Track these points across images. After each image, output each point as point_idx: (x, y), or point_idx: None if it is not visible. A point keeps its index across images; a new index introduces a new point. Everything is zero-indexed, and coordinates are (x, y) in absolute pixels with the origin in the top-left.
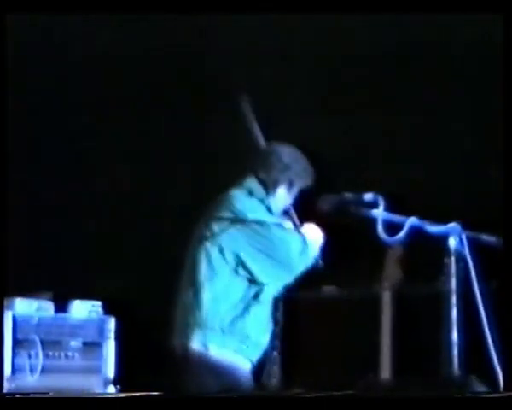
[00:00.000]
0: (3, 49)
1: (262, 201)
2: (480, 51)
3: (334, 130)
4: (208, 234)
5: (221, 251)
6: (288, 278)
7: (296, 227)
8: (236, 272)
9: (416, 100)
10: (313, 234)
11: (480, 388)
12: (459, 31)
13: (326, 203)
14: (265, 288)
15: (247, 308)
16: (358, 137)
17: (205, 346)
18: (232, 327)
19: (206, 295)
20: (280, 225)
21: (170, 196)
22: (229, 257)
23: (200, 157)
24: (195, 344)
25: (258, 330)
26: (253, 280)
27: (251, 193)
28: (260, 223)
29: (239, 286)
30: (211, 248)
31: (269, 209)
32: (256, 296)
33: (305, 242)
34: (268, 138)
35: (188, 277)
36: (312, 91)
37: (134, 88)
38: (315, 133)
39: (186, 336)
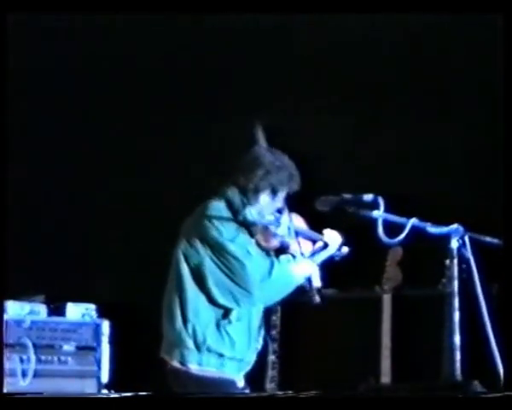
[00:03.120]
0: (3, 49)
1: (238, 212)
2: (480, 51)
3: (335, 130)
4: (181, 246)
5: (188, 265)
6: (245, 302)
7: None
8: (201, 290)
9: (417, 101)
10: (306, 267)
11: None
12: (459, 31)
13: (325, 204)
14: (235, 307)
15: (217, 328)
16: (359, 137)
17: (184, 365)
18: (207, 346)
19: (178, 312)
20: (244, 249)
21: (166, 200)
22: (194, 272)
23: (198, 159)
24: (175, 362)
25: (236, 349)
26: (211, 301)
27: (229, 203)
28: (223, 244)
29: (207, 305)
30: (181, 261)
31: (245, 220)
32: (225, 316)
33: (271, 267)
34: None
35: (167, 287)
36: (313, 92)
37: (133, 89)
38: (314, 134)
39: (167, 352)
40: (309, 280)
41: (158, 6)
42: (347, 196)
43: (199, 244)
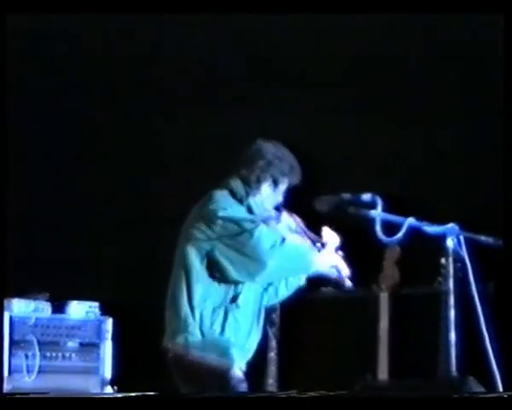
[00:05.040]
0: (3, 49)
1: (241, 201)
2: (480, 51)
3: (334, 130)
4: (187, 236)
5: (197, 252)
6: (259, 274)
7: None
8: (212, 274)
9: (416, 100)
10: (327, 257)
11: (478, 389)
12: (459, 31)
13: (324, 204)
14: (243, 291)
15: (225, 313)
16: (357, 137)
17: (186, 350)
18: (212, 332)
19: (184, 299)
20: (251, 221)
21: (167, 198)
22: (204, 257)
23: (197, 159)
24: (178, 348)
25: (240, 335)
26: (226, 280)
27: (232, 193)
28: (231, 219)
29: (216, 290)
30: (189, 250)
31: (249, 209)
32: (234, 300)
33: (282, 239)
34: (265, 137)
35: (171, 279)
36: (314, 92)
37: (133, 87)
38: (314, 133)
39: (171, 339)
40: (337, 269)
41: (158, 6)
42: (346, 195)
43: (208, 229)
